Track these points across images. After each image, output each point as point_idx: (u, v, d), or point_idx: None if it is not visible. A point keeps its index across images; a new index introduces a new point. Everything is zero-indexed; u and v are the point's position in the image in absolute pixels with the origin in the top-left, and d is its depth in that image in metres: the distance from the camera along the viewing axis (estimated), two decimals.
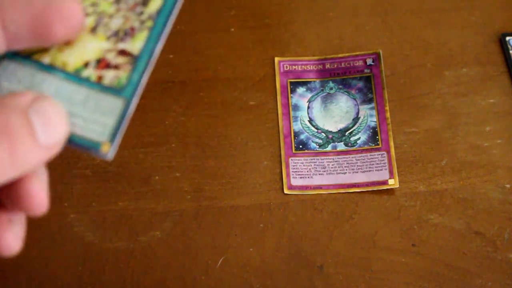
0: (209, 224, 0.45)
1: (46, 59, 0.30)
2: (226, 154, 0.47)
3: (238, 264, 0.43)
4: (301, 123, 0.48)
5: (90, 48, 0.31)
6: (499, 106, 0.48)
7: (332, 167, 0.46)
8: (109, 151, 0.27)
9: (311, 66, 0.50)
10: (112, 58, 0.31)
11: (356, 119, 0.48)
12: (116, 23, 0.32)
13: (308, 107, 0.49)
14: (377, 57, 0.50)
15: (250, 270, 0.43)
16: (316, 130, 0.48)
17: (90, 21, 0.31)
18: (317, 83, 0.50)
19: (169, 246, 0.44)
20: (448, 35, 0.52)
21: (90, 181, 0.46)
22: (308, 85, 0.50)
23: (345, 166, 0.46)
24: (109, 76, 0.30)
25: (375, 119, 0.48)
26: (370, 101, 0.48)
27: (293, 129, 0.48)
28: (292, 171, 0.46)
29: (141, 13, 0.32)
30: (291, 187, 0.46)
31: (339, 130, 0.48)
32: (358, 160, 0.46)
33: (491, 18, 0.52)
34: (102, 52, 0.31)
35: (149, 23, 0.32)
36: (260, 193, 0.45)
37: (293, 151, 0.47)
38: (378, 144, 0.47)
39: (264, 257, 0.43)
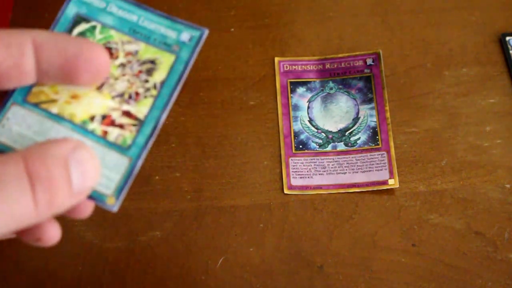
0: (209, 224, 0.45)
1: (54, 109, 0.32)
2: (226, 154, 0.47)
3: (238, 264, 0.43)
4: (301, 123, 0.48)
5: (96, 103, 0.33)
6: (499, 106, 0.48)
7: (332, 167, 0.46)
8: (114, 204, 0.28)
9: (311, 66, 0.50)
10: (117, 116, 0.32)
11: (356, 119, 0.48)
12: (121, 86, 0.34)
13: (308, 107, 0.49)
14: (377, 57, 0.50)
15: (250, 270, 0.43)
16: (316, 130, 0.48)
17: None
18: (317, 83, 0.50)
19: (169, 246, 0.44)
20: (448, 35, 0.52)
21: None
22: (308, 85, 0.50)
23: (345, 166, 0.46)
24: (114, 134, 0.32)
25: (375, 119, 0.48)
26: (370, 101, 0.48)
27: (293, 129, 0.48)
28: (292, 171, 0.46)
29: (146, 81, 0.34)
30: (291, 187, 0.46)
31: (339, 130, 0.48)
32: (358, 160, 0.46)
33: (491, 18, 0.52)
34: (107, 109, 0.33)
35: (154, 92, 0.34)
36: (260, 193, 0.45)
37: (293, 151, 0.47)
38: (378, 144, 0.47)
39: (264, 257, 0.43)
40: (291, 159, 0.46)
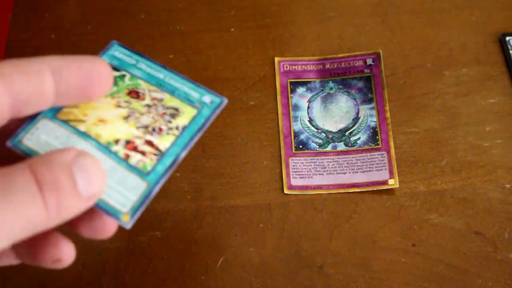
0: (209, 224, 0.45)
1: (82, 127, 0.34)
2: (226, 154, 0.47)
3: (238, 264, 0.43)
4: (301, 123, 0.48)
5: (122, 129, 0.35)
6: (499, 106, 0.48)
7: (332, 167, 0.46)
8: (128, 222, 0.29)
9: (311, 66, 0.50)
10: (140, 144, 0.35)
11: (356, 119, 0.48)
12: (146, 120, 0.36)
13: (308, 107, 0.49)
14: (377, 57, 0.50)
15: (250, 270, 0.43)
16: (316, 130, 0.48)
17: (123, 111, 0.36)
18: (317, 83, 0.50)
19: (169, 246, 0.44)
20: (448, 35, 0.52)
21: None
22: (308, 85, 0.50)
23: (345, 166, 0.46)
24: (135, 158, 0.34)
25: (375, 119, 0.48)
26: (370, 101, 0.48)
27: (293, 129, 0.48)
28: (292, 171, 0.46)
29: (170, 121, 0.37)
30: (291, 187, 0.46)
31: (339, 130, 0.48)
32: (358, 160, 0.46)
33: (491, 18, 0.52)
34: (132, 136, 0.35)
35: (176, 132, 0.36)
36: (260, 193, 0.45)
37: (293, 151, 0.47)
38: (378, 144, 0.47)
39: (264, 257, 0.43)
40: (291, 159, 0.46)
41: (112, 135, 0.35)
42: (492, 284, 0.41)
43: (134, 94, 0.39)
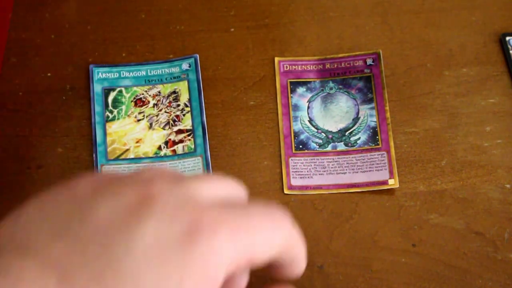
0: None
1: (131, 155, 0.43)
2: (226, 154, 0.47)
3: None
4: (301, 123, 0.48)
5: (155, 137, 0.44)
6: (499, 106, 0.48)
7: (332, 167, 0.46)
8: None
9: (311, 66, 0.50)
10: (174, 137, 0.43)
11: (356, 119, 0.48)
12: (163, 117, 0.45)
13: (308, 107, 0.49)
14: (377, 57, 0.50)
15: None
16: (316, 130, 0.48)
17: (144, 122, 0.44)
18: (317, 83, 0.50)
19: None
20: (448, 35, 0.52)
21: None
22: (308, 85, 0.50)
23: (345, 166, 0.46)
24: (180, 148, 0.43)
25: (375, 119, 0.48)
26: (370, 101, 0.48)
27: (293, 129, 0.48)
28: (292, 171, 0.46)
29: (178, 105, 0.45)
30: (291, 187, 0.45)
31: (339, 130, 0.48)
32: (358, 160, 0.46)
33: (491, 18, 0.52)
34: (165, 137, 0.44)
35: (187, 108, 0.45)
36: (260, 193, 0.45)
37: (293, 151, 0.47)
38: (378, 144, 0.47)
39: None
40: (291, 159, 0.46)
41: (153, 145, 0.43)
42: (492, 284, 0.41)
43: (139, 102, 0.46)
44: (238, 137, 0.48)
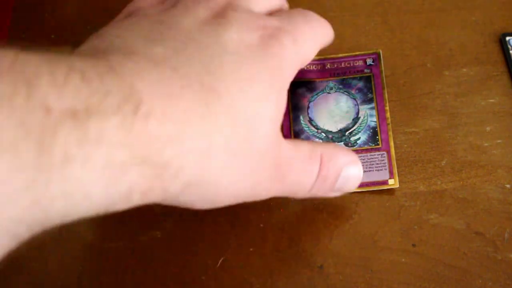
0: (209, 224, 0.45)
1: None
2: None
3: (238, 264, 0.43)
4: (301, 123, 0.48)
5: None
6: (499, 106, 0.48)
7: None
8: None
9: (311, 66, 0.50)
10: None
11: (356, 119, 0.48)
12: None
13: (308, 107, 0.49)
14: (377, 57, 0.50)
15: (250, 270, 0.43)
16: (316, 130, 0.48)
17: None
18: (317, 83, 0.50)
19: (169, 246, 0.44)
20: (448, 35, 0.52)
21: None
22: (308, 85, 0.50)
23: None
24: None
25: (375, 119, 0.48)
26: (370, 101, 0.48)
27: (293, 129, 0.48)
28: None
29: None
30: None
31: (339, 130, 0.48)
32: None
33: (491, 18, 0.52)
34: None
35: None
36: None
37: None
38: (378, 144, 0.47)
39: (264, 257, 0.43)
40: None
41: None
42: (492, 284, 0.41)
43: None
44: None
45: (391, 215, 0.44)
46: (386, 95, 0.48)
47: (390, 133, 0.47)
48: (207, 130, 0.29)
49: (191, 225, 0.45)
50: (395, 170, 0.45)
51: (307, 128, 0.48)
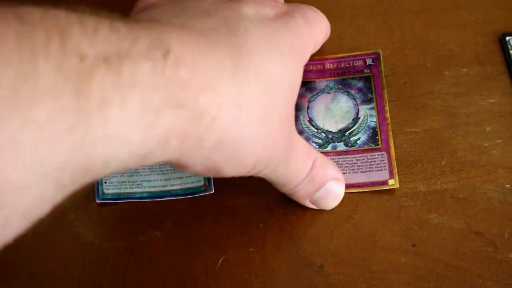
0: (209, 224, 0.45)
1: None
2: None
3: (238, 264, 0.43)
4: (301, 123, 0.48)
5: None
6: (499, 106, 0.48)
7: None
8: (209, 188, 0.45)
9: (311, 66, 0.50)
10: None
11: (356, 119, 0.48)
12: None
13: (308, 107, 0.49)
14: (377, 57, 0.50)
15: (250, 270, 0.43)
16: (316, 130, 0.48)
17: None
18: (317, 83, 0.50)
19: (169, 246, 0.44)
20: (448, 35, 0.52)
21: None
22: (308, 85, 0.50)
23: (345, 166, 0.46)
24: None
25: (375, 119, 0.48)
26: (370, 101, 0.48)
27: None
28: None
29: None
30: None
31: (339, 130, 0.48)
32: (358, 160, 0.46)
33: (491, 18, 0.52)
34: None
35: None
36: (260, 193, 0.45)
37: None
38: (378, 144, 0.47)
39: (264, 257, 0.43)
40: None
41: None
42: (492, 284, 0.41)
43: None
44: None
45: (391, 215, 0.44)
46: (386, 95, 0.48)
47: (390, 133, 0.47)
48: (238, 84, 0.31)
49: (191, 225, 0.45)
50: (395, 170, 0.45)
51: (307, 128, 0.48)
